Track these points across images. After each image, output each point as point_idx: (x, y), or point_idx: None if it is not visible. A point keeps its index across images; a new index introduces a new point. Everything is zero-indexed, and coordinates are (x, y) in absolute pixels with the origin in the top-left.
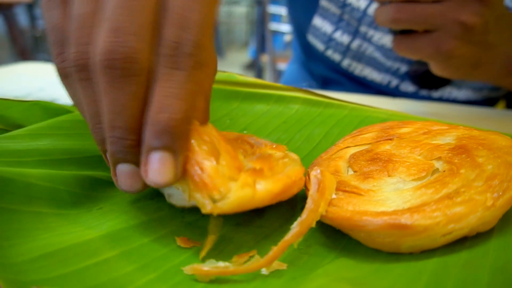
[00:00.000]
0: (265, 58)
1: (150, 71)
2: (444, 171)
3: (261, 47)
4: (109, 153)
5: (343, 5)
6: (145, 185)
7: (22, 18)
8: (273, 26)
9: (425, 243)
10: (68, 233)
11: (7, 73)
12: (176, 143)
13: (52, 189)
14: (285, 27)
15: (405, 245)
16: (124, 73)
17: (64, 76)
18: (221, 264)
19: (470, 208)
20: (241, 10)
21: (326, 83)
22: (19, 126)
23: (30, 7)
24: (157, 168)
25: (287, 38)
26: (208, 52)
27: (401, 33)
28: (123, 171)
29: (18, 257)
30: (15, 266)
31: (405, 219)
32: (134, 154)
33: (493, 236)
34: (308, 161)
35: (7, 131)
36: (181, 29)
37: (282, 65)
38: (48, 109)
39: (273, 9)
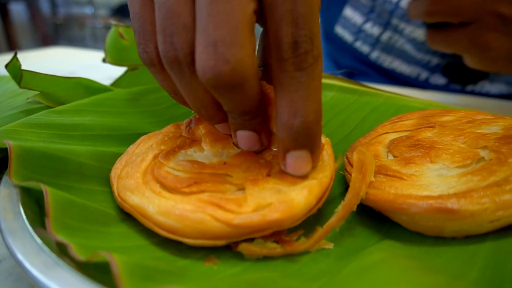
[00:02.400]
0: None
1: (257, 73)
2: (490, 159)
3: None
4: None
5: None
6: (263, 145)
7: (44, 5)
8: None
9: (470, 228)
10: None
11: (38, 57)
12: (312, 142)
13: (101, 168)
14: None
15: (449, 230)
16: (229, 89)
17: (150, 64)
18: (269, 244)
19: None
20: None
21: (352, 75)
22: (62, 103)
23: None
24: (295, 165)
25: None
26: (319, 40)
27: (434, 26)
28: (242, 136)
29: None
30: (80, 232)
31: (452, 204)
32: (254, 125)
33: None
34: (343, 145)
35: (51, 107)
36: (292, 27)
37: None
38: (89, 88)
39: None
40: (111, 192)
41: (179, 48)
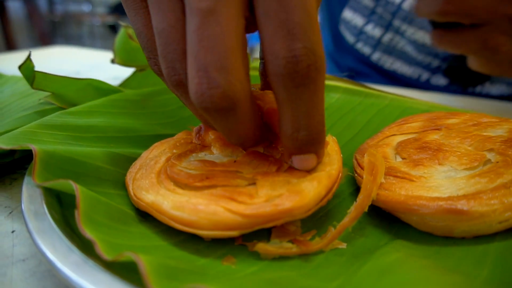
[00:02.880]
0: None
1: (249, 96)
2: (497, 162)
3: None
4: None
5: None
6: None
7: (41, 3)
8: None
9: (480, 228)
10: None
11: (41, 56)
12: (316, 147)
13: (116, 172)
14: None
15: (459, 230)
16: (221, 112)
17: (160, 75)
18: (285, 244)
19: None
20: None
21: (354, 77)
22: (73, 104)
23: None
24: (301, 164)
25: None
26: (321, 49)
27: (442, 26)
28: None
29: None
30: (106, 228)
31: (462, 205)
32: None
33: None
34: (350, 147)
35: (62, 109)
36: (287, 39)
37: None
38: (100, 89)
39: None
40: (127, 195)
41: (182, 73)
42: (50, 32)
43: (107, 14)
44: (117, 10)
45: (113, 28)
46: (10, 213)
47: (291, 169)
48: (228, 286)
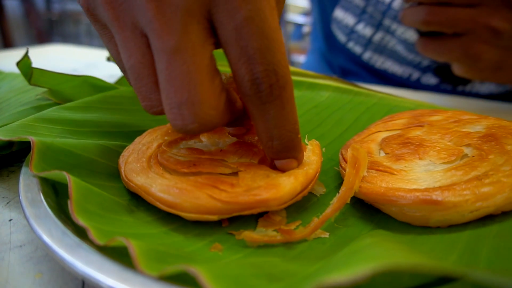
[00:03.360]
0: None
1: (226, 117)
2: (473, 156)
3: None
4: None
5: None
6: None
7: (38, 1)
8: (289, 17)
9: (453, 218)
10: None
11: (39, 54)
12: (293, 152)
13: (109, 166)
14: (300, 18)
15: (434, 219)
16: (202, 131)
17: None
18: (270, 232)
19: (498, 189)
20: None
21: (345, 75)
22: (69, 100)
23: None
24: (282, 167)
25: (306, 29)
26: (282, 63)
27: (427, 35)
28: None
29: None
30: (98, 217)
31: (436, 196)
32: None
33: None
34: (338, 143)
35: (58, 104)
36: (248, 64)
37: (295, 57)
38: (95, 86)
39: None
40: (119, 187)
41: (157, 104)
42: (48, 31)
43: None
44: None
45: None
46: (8, 203)
47: (273, 162)
48: (213, 269)
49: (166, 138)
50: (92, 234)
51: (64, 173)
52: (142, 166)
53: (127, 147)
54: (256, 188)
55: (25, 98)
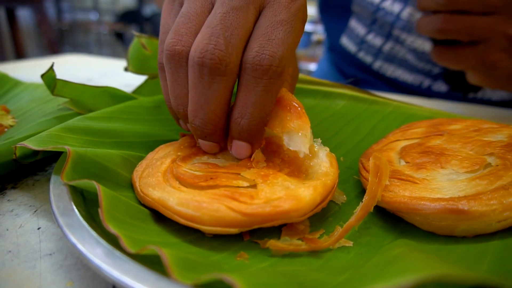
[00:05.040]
0: None
1: (236, 76)
2: (497, 165)
3: None
4: (191, 129)
5: (377, 10)
6: (221, 149)
7: (49, 11)
8: None
9: (480, 227)
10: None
11: (55, 64)
12: (252, 138)
13: (109, 170)
14: (308, 27)
15: (460, 229)
16: (214, 72)
17: (160, 64)
18: (295, 241)
19: None
20: None
21: (357, 83)
22: (89, 110)
23: (57, 1)
24: (238, 151)
25: (315, 37)
26: (287, 61)
27: (442, 43)
28: (203, 143)
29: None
30: (127, 225)
31: (463, 205)
32: (212, 137)
33: None
34: (355, 152)
35: (79, 114)
36: (264, 43)
37: (302, 64)
38: (115, 96)
39: None
40: None
41: (185, 45)
42: (58, 40)
43: (114, 23)
44: (124, 18)
45: (120, 36)
46: (35, 211)
47: (290, 174)
48: (244, 277)
49: (179, 153)
50: (124, 242)
51: (94, 182)
52: (158, 180)
53: (140, 163)
54: (276, 200)
55: (47, 108)
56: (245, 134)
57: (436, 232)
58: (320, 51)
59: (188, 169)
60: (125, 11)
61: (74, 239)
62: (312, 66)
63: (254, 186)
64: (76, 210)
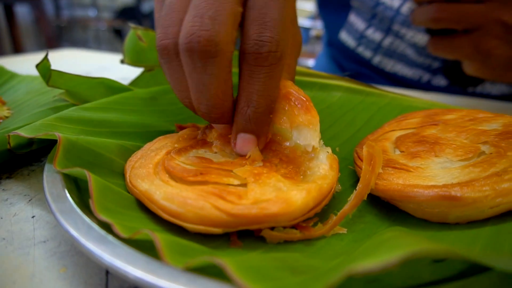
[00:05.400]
0: None
1: (230, 55)
2: (491, 153)
3: None
4: (201, 116)
5: (376, 4)
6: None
7: (48, 7)
8: None
9: (472, 214)
10: None
11: (53, 58)
12: (259, 129)
13: (103, 158)
14: (307, 22)
15: (453, 216)
16: (204, 55)
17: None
18: (289, 230)
19: None
20: None
21: (355, 77)
22: (85, 102)
23: None
24: (243, 145)
25: (313, 33)
26: (285, 42)
27: (437, 34)
28: (217, 126)
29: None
30: (118, 214)
31: (456, 192)
32: (221, 119)
33: None
34: (351, 143)
35: (74, 105)
36: (260, 30)
37: (301, 60)
38: (111, 87)
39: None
40: None
41: (173, 37)
42: (57, 37)
43: (113, 19)
44: (123, 15)
45: (119, 33)
46: (30, 200)
47: (286, 176)
48: (235, 261)
49: (176, 145)
50: (116, 228)
51: (85, 171)
52: (148, 172)
53: (135, 153)
54: (265, 202)
55: (43, 100)
56: (252, 124)
57: (429, 220)
58: (319, 48)
59: (180, 162)
60: (123, 7)
61: (66, 225)
62: (311, 62)
63: (245, 185)
64: (69, 196)
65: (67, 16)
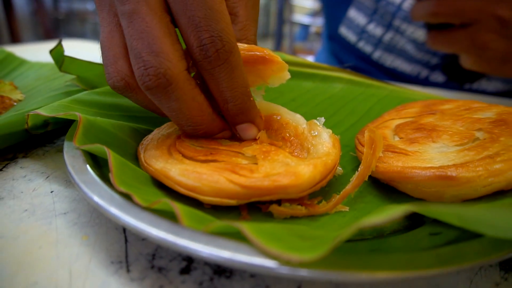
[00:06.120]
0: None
1: (186, 73)
2: (484, 139)
3: (279, 39)
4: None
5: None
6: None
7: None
8: (295, 18)
9: (467, 193)
10: None
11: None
12: (248, 115)
13: (117, 137)
14: (306, 19)
15: (448, 195)
16: (160, 88)
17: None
18: (295, 206)
19: (509, 166)
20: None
21: (354, 67)
22: (95, 87)
23: None
24: (244, 133)
25: (314, 29)
26: (225, 29)
27: (436, 28)
28: (242, 128)
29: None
30: (135, 188)
31: (451, 172)
32: (211, 130)
33: None
34: (352, 131)
35: (85, 90)
36: (196, 32)
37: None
38: None
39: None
40: None
41: (117, 73)
42: (54, 29)
43: None
44: None
45: None
46: (47, 177)
47: (291, 154)
48: (253, 227)
49: None
50: (136, 198)
51: (105, 147)
52: (162, 152)
53: (146, 137)
54: (276, 175)
55: (55, 85)
56: (240, 116)
57: (426, 199)
58: (317, 45)
59: (191, 144)
60: None
61: (91, 194)
62: (310, 59)
63: (254, 163)
64: (90, 169)
65: (65, 9)
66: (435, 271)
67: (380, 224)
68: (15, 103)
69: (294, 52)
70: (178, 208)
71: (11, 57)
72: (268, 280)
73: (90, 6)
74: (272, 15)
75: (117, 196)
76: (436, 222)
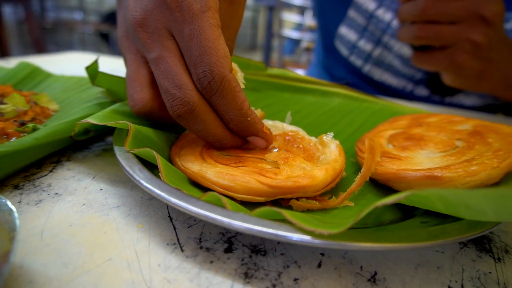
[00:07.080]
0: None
1: (202, 100)
2: (463, 146)
3: (267, 52)
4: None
5: (370, 16)
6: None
7: (32, 9)
8: (284, 32)
9: None
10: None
11: (58, 61)
12: (251, 130)
13: (155, 143)
14: (293, 34)
15: None
16: (188, 116)
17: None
18: (310, 201)
19: (482, 168)
20: (246, 14)
21: (350, 83)
22: (122, 99)
23: None
24: (255, 143)
25: (306, 44)
26: (219, 65)
27: (419, 49)
28: (252, 140)
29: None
30: (182, 186)
31: (437, 173)
32: (235, 142)
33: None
34: (350, 140)
35: (114, 103)
36: (193, 68)
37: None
38: None
39: (285, 16)
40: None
41: (137, 103)
42: (42, 39)
43: (100, 23)
44: (110, 19)
45: (105, 37)
46: (94, 177)
47: (305, 159)
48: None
49: None
50: (186, 192)
51: (153, 151)
52: (196, 157)
53: (175, 143)
54: (296, 177)
55: (85, 97)
56: (243, 132)
57: None
58: (305, 58)
59: (219, 153)
60: (110, 11)
61: (153, 187)
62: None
63: (276, 168)
64: (144, 168)
65: (53, 18)
66: (426, 244)
67: (390, 203)
68: (53, 113)
69: (283, 65)
70: (226, 201)
71: (37, 70)
72: (296, 256)
73: (78, 16)
74: (260, 28)
75: (174, 191)
76: (425, 213)
